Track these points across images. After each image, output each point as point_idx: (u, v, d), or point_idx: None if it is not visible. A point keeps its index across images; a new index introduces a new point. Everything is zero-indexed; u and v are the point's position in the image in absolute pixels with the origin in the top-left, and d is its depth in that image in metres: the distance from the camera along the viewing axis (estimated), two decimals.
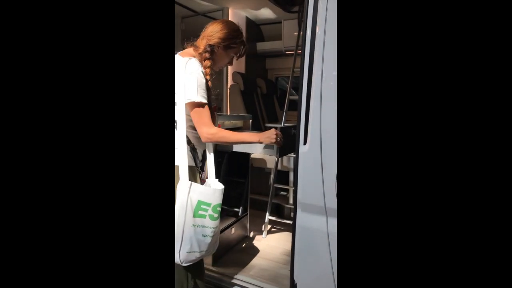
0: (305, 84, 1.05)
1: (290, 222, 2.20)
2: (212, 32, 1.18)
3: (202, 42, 1.19)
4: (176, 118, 1.11)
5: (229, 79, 2.95)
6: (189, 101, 1.08)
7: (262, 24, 3.31)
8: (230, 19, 2.83)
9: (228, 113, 2.76)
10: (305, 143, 1.05)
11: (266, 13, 2.97)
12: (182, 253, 1.10)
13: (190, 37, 1.26)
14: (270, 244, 2.11)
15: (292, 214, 2.37)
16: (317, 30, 1.01)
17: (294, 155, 1.11)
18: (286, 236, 2.23)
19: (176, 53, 1.21)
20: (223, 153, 1.90)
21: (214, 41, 1.18)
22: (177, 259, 1.11)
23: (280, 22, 3.07)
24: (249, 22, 3.14)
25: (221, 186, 1.19)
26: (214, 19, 2.95)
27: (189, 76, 1.08)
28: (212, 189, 1.15)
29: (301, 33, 2.42)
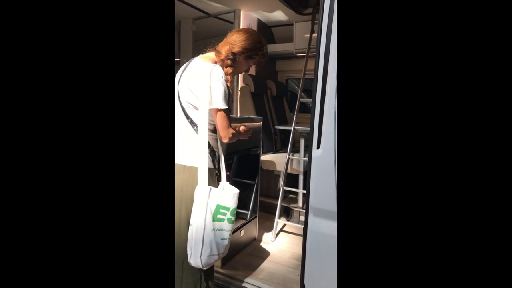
0: (319, 87, 1.03)
1: (299, 225, 2.19)
2: (236, 41, 1.21)
3: (224, 48, 1.21)
4: (197, 122, 1.15)
5: (239, 80, 2.95)
6: (216, 107, 1.12)
7: (273, 26, 3.30)
8: (241, 21, 2.83)
9: (238, 115, 2.75)
10: (318, 147, 1.04)
11: (278, 15, 2.96)
12: (203, 257, 1.12)
13: (211, 41, 1.28)
14: (279, 248, 2.09)
15: (301, 217, 2.36)
16: (332, 32, 0.99)
17: (306, 159, 1.10)
18: (295, 240, 2.21)
19: (197, 56, 1.25)
20: (233, 154, 1.89)
21: (236, 49, 1.20)
22: (198, 264, 1.13)
23: (291, 24, 3.06)
24: (260, 24, 3.14)
25: (236, 190, 1.21)
26: (225, 21, 2.97)
27: (215, 83, 1.12)
28: (231, 193, 1.18)
29: (314, 34, 2.41)
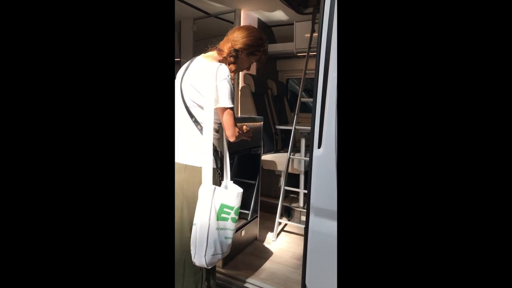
0: (320, 87, 1.03)
1: (300, 225, 2.19)
2: (238, 37, 1.22)
3: (226, 46, 1.22)
4: (202, 121, 1.15)
5: (240, 80, 2.95)
6: (222, 106, 1.12)
7: (274, 26, 3.30)
8: (242, 20, 2.83)
9: (239, 115, 2.75)
10: (319, 146, 1.03)
11: (278, 15, 2.96)
12: (208, 257, 1.12)
13: (212, 41, 1.28)
14: (280, 247, 2.09)
15: (302, 217, 2.36)
16: (333, 31, 0.99)
17: (307, 158, 1.10)
18: (296, 239, 2.21)
19: (199, 55, 1.25)
20: (233, 154, 1.89)
21: (238, 46, 1.21)
22: (202, 263, 1.13)
23: (292, 24, 3.06)
24: (261, 23, 3.13)
25: (240, 189, 1.22)
26: (226, 20, 2.97)
27: (221, 82, 1.12)
28: (236, 192, 1.18)
29: (314, 34, 2.41)
